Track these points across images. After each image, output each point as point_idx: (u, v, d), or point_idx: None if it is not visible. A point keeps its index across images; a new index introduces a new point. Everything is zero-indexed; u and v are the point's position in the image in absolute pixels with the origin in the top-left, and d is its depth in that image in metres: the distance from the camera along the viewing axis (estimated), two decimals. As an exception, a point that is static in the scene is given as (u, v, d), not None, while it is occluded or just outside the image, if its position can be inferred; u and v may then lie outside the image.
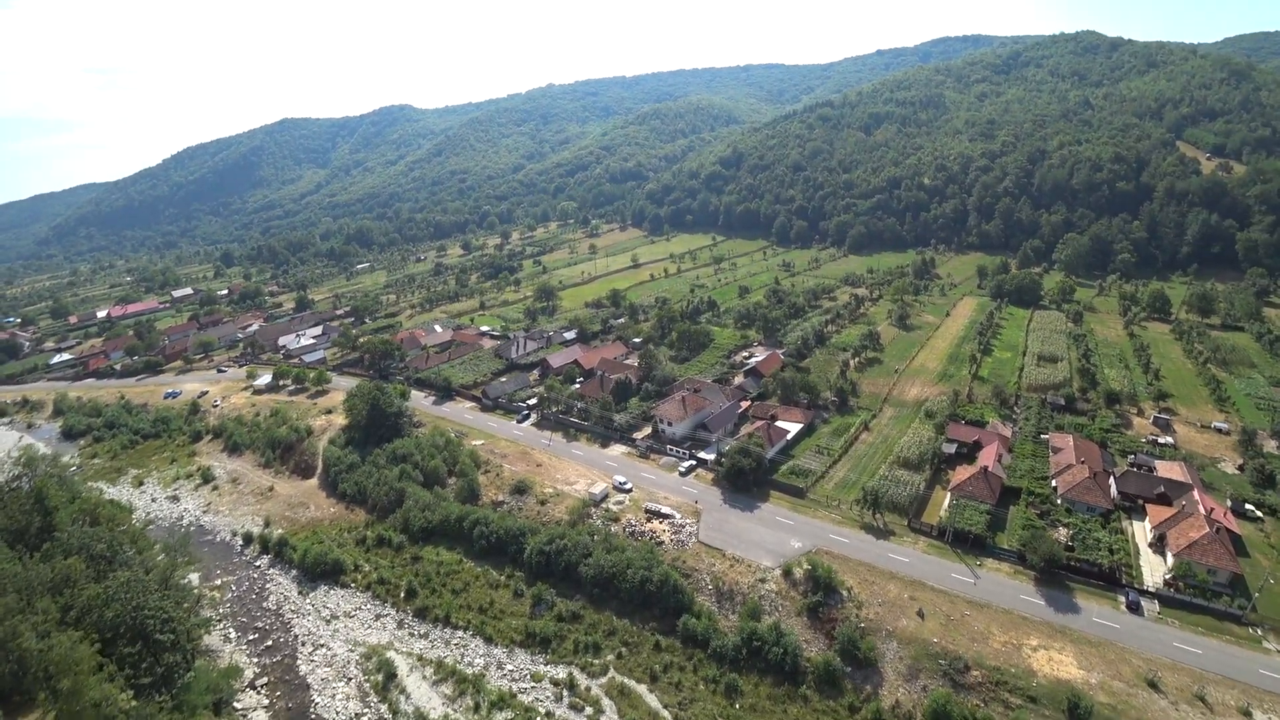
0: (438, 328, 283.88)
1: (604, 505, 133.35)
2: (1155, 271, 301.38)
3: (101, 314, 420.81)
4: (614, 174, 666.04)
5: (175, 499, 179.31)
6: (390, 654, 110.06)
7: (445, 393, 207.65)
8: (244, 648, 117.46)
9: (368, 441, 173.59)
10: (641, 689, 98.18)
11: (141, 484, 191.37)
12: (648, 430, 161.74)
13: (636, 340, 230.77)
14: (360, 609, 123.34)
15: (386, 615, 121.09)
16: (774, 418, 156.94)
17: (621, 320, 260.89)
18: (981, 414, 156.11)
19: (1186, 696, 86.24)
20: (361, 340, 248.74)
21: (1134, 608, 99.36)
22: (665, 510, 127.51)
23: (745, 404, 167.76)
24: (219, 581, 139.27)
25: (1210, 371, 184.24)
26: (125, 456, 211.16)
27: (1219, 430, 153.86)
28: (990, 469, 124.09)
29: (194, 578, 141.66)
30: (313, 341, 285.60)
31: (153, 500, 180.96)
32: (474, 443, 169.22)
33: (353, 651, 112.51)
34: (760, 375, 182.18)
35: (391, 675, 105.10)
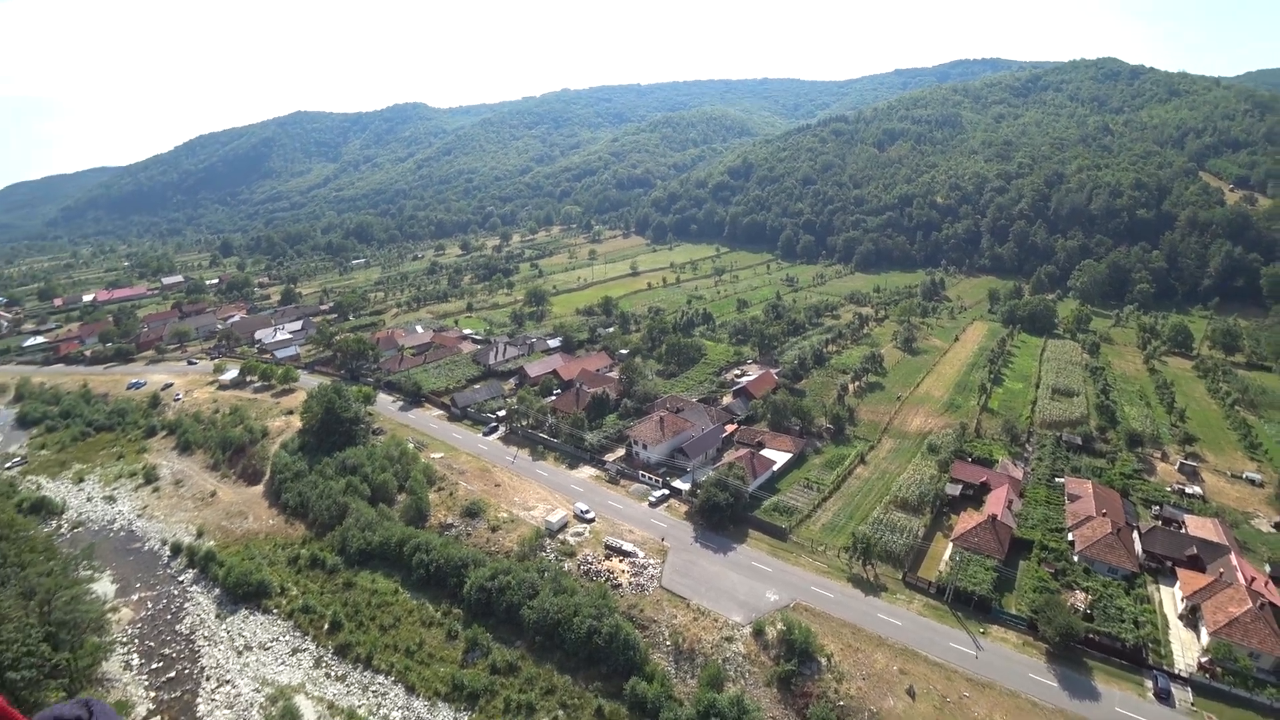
0: (419, 328, 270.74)
1: (561, 536, 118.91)
2: (1175, 304, 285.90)
3: (88, 298, 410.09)
4: (621, 180, 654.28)
5: (112, 500, 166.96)
6: (299, 699, 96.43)
7: (414, 398, 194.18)
8: (144, 678, 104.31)
9: (321, 448, 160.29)
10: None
11: (82, 480, 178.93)
12: (622, 452, 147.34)
13: (623, 352, 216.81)
14: (278, 640, 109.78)
15: (305, 650, 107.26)
16: (760, 445, 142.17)
17: (611, 330, 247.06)
18: (990, 451, 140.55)
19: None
20: (336, 338, 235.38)
21: (1163, 696, 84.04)
22: (627, 547, 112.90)
23: (731, 428, 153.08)
24: (136, 597, 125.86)
25: (1239, 414, 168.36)
26: (74, 449, 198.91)
27: (1251, 481, 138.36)
28: (999, 517, 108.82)
29: (108, 591, 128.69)
30: (289, 336, 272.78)
31: (88, 500, 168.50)
32: (432, 455, 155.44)
33: (258, 692, 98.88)
34: (750, 396, 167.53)
35: None
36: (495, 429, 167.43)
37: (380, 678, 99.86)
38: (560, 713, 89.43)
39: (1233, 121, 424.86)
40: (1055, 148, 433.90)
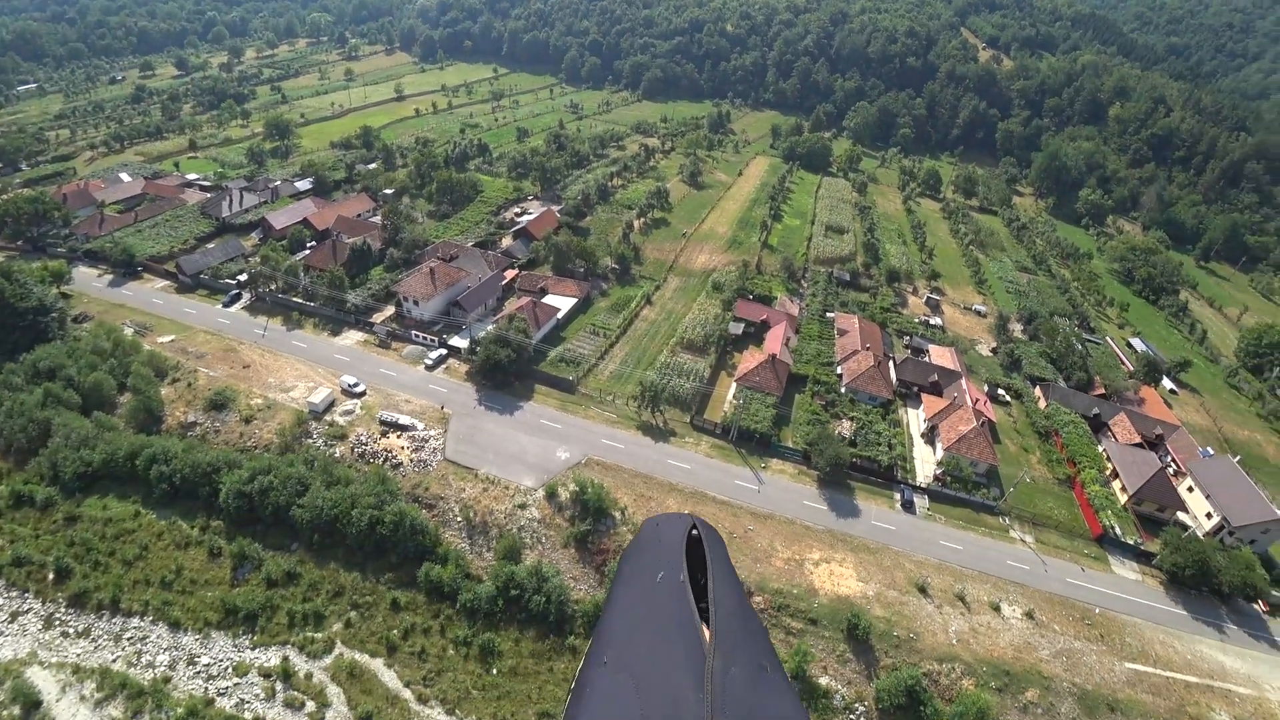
0: (124, 176, 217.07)
1: (329, 417, 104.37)
2: (929, 149, 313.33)
3: None
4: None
5: None
6: (32, 672, 78.06)
7: (127, 269, 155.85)
8: None
9: (3, 346, 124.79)
10: (377, 664, 77.84)
11: None
12: (391, 311, 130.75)
13: (387, 192, 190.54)
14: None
15: (29, 611, 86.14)
16: (544, 291, 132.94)
17: (372, 166, 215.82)
18: (770, 288, 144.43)
19: (949, 597, 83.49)
20: (1, 199, 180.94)
21: (908, 506, 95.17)
22: (404, 420, 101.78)
23: (511, 274, 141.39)
24: None
25: (972, 253, 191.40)
26: None
27: (978, 313, 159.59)
28: (778, 356, 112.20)
29: None
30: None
31: None
32: (161, 339, 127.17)
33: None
34: (532, 238, 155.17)
35: (35, 704, 74.83)
36: (238, 297, 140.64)
37: (135, 620, 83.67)
38: (353, 614, 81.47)
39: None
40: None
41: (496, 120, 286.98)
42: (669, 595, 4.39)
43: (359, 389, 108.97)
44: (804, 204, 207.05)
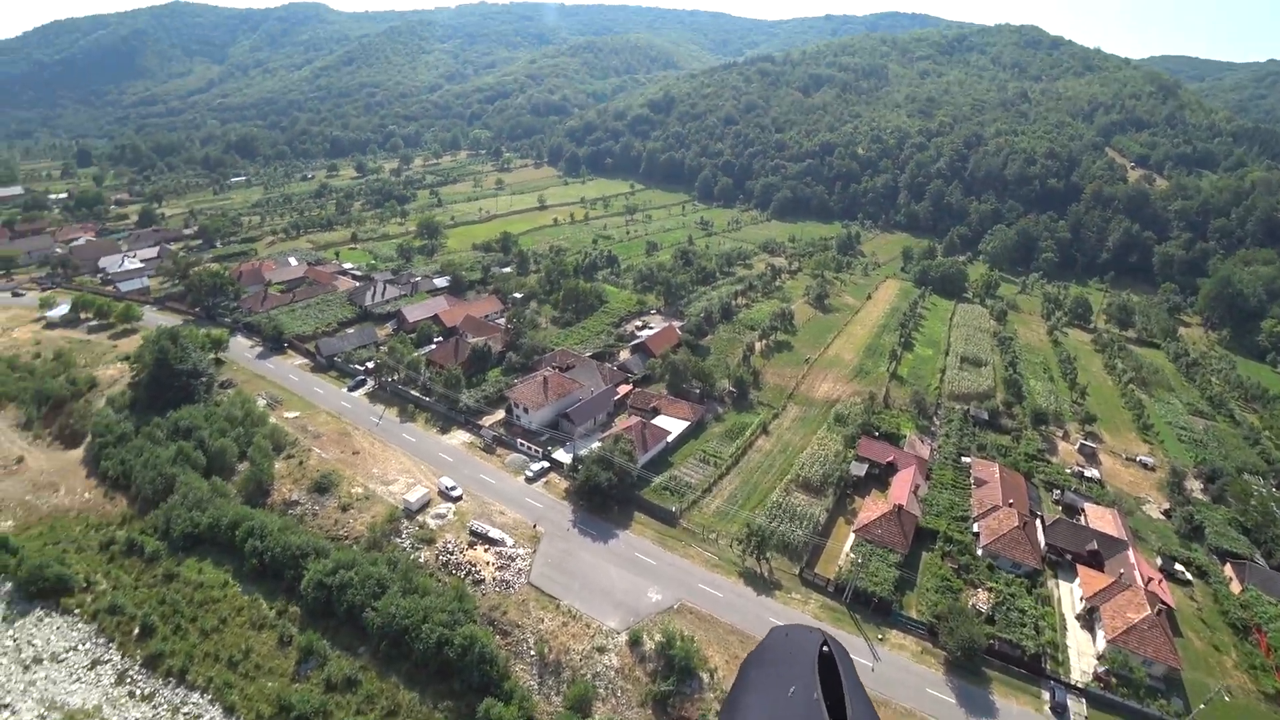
0: (292, 260, 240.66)
1: (421, 518, 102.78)
2: (1074, 274, 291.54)
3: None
4: (537, 106, 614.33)
5: None
6: None
7: (275, 343, 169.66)
8: None
9: (154, 405, 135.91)
10: (414, 803, 70.40)
11: None
12: (501, 415, 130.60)
13: (517, 295, 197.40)
14: (76, 649, 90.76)
15: (108, 662, 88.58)
16: (655, 411, 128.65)
17: (507, 270, 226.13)
18: (898, 425, 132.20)
19: None
20: (194, 269, 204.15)
21: (1059, 710, 78.11)
22: (495, 533, 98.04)
23: (625, 389, 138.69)
24: None
25: (1133, 393, 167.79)
26: None
27: (1144, 465, 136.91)
28: (905, 507, 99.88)
29: None
30: (139, 266, 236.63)
31: None
32: (286, 415, 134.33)
33: (55, 713, 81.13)
34: (649, 354, 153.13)
35: None
36: (363, 383, 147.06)
37: (196, 696, 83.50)
38: (401, 741, 75.41)
39: (1138, 101, 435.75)
40: (976, 109, 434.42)
41: (628, 233, 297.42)
42: (804, 714, 4.42)
43: (455, 492, 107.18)
44: (937, 332, 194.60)
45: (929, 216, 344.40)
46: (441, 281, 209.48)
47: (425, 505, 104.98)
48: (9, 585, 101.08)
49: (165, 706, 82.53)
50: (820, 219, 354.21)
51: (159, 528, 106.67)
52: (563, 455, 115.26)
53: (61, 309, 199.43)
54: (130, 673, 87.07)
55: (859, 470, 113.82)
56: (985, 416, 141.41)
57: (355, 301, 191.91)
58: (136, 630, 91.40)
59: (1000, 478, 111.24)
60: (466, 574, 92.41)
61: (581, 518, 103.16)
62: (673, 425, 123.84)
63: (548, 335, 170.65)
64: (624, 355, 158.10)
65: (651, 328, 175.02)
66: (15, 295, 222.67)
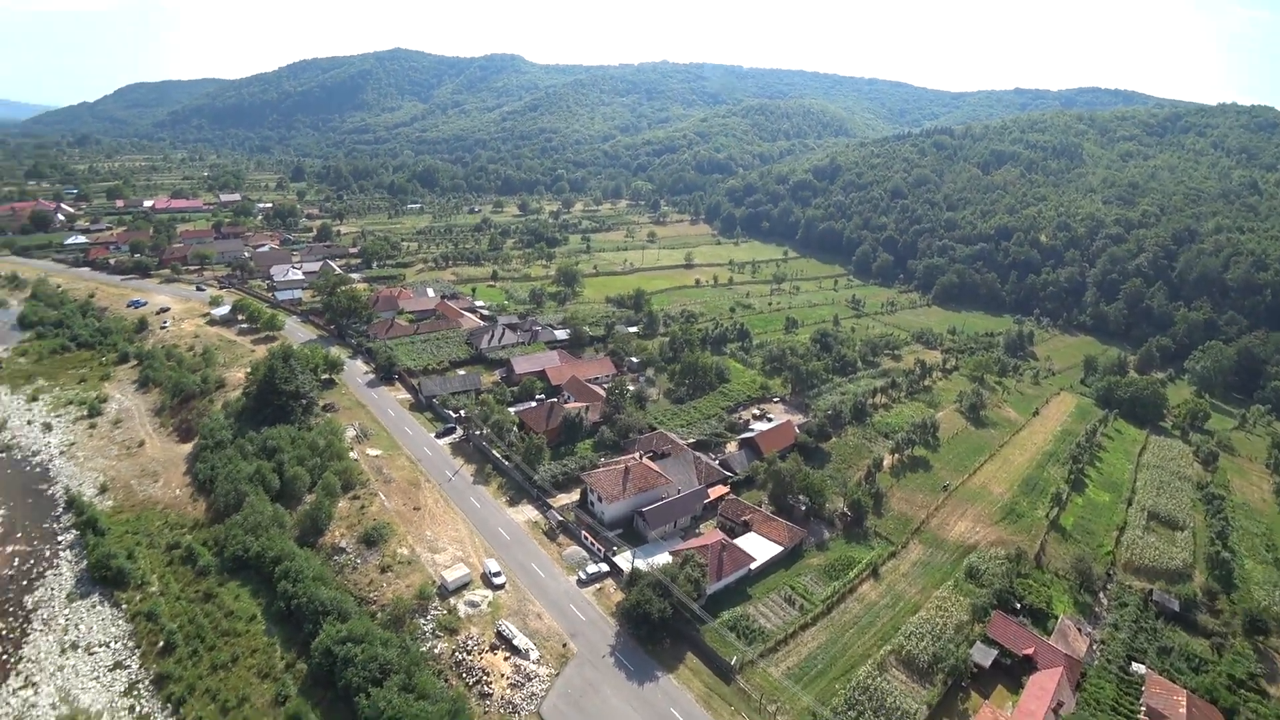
0: (430, 291, 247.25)
1: (454, 600, 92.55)
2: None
3: (148, 203, 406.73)
4: (701, 163, 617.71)
5: (48, 428, 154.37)
6: None
7: (386, 374, 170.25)
8: None
9: (257, 418, 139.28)
10: None
11: (35, 399, 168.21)
12: (575, 498, 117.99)
13: (634, 360, 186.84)
14: (108, 646, 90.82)
15: (127, 668, 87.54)
16: (746, 526, 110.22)
17: (632, 330, 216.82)
18: (1049, 599, 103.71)
19: None
20: (339, 289, 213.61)
21: None
22: (521, 641, 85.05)
23: (718, 491, 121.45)
24: (8, 549, 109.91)
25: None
26: (48, 363, 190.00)
27: None
28: (1043, 729, 74.62)
29: None
30: (300, 278, 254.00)
31: (28, 423, 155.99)
32: (369, 452, 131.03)
33: (54, 709, 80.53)
34: (758, 452, 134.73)
35: None
36: (451, 430, 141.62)
37: None
38: None
39: None
40: (1190, 200, 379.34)
41: (770, 304, 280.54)
42: None
43: (499, 579, 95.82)
44: (1119, 471, 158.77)
45: (1121, 320, 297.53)
46: (562, 333, 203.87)
47: (462, 588, 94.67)
48: (84, 564, 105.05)
49: (153, 733, 77.79)
50: (988, 310, 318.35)
51: (218, 542, 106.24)
52: (624, 560, 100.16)
53: (224, 308, 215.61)
54: (139, 686, 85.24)
55: (984, 658, 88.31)
56: (1175, 606, 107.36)
57: (472, 343, 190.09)
58: (161, 644, 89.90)
59: (1188, 713, 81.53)
60: (476, 682, 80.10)
61: (623, 645, 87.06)
62: (761, 548, 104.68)
63: (656, 409, 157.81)
64: (730, 448, 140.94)
65: (769, 419, 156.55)
66: (199, 290, 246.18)
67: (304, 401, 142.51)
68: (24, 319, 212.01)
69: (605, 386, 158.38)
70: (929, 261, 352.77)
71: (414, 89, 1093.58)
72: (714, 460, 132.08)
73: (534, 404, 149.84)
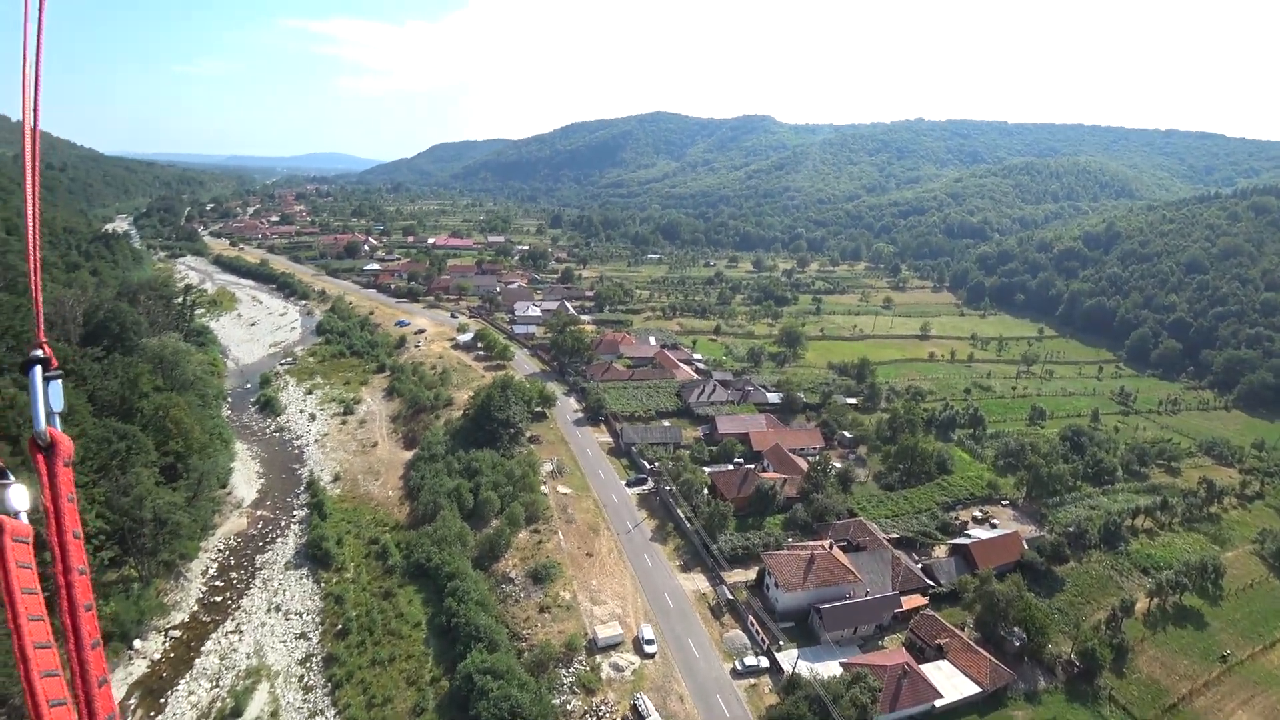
0: (652, 339, 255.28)
1: (599, 658, 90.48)
2: None
3: (431, 240, 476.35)
4: (951, 226, 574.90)
5: (312, 418, 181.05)
6: (261, 689, 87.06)
7: (594, 415, 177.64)
8: (201, 587, 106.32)
9: (468, 438, 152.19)
10: None
11: (310, 393, 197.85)
12: (753, 576, 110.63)
13: (846, 434, 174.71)
14: (301, 616, 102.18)
15: (309, 640, 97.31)
16: (939, 651, 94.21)
17: (850, 401, 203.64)
18: None
19: None
20: (568, 328, 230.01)
21: None
22: (653, 720, 79.95)
23: (912, 603, 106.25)
24: (258, 513, 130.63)
25: None
26: (328, 365, 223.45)
27: None
28: None
29: (247, 497, 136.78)
30: (538, 314, 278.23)
31: (300, 411, 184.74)
32: (560, 489, 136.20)
33: (248, 659, 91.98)
34: (971, 563, 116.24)
35: (237, 715, 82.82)
36: (643, 481, 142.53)
37: (331, 713, 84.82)
38: None
39: None
40: None
41: (1015, 389, 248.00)
42: None
43: (650, 649, 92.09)
44: None
45: None
46: (774, 396, 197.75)
47: (612, 647, 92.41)
48: (305, 540, 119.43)
49: (307, 709, 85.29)
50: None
51: (408, 546, 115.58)
52: (788, 660, 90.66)
53: (468, 335, 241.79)
54: (313, 659, 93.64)
55: None
56: None
57: (682, 396, 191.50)
58: (339, 626, 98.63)
59: None
60: (595, 757, 76.41)
61: (761, 761, 77.92)
62: (953, 684, 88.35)
63: (861, 493, 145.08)
64: (937, 552, 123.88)
65: (991, 525, 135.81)
66: (452, 316, 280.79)
67: (512, 430, 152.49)
68: (320, 326, 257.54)
69: (810, 459, 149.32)
70: (1233, 353, 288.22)
71: (668, 148, 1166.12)
72: (916, 563, 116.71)
73: (730, 467, 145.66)
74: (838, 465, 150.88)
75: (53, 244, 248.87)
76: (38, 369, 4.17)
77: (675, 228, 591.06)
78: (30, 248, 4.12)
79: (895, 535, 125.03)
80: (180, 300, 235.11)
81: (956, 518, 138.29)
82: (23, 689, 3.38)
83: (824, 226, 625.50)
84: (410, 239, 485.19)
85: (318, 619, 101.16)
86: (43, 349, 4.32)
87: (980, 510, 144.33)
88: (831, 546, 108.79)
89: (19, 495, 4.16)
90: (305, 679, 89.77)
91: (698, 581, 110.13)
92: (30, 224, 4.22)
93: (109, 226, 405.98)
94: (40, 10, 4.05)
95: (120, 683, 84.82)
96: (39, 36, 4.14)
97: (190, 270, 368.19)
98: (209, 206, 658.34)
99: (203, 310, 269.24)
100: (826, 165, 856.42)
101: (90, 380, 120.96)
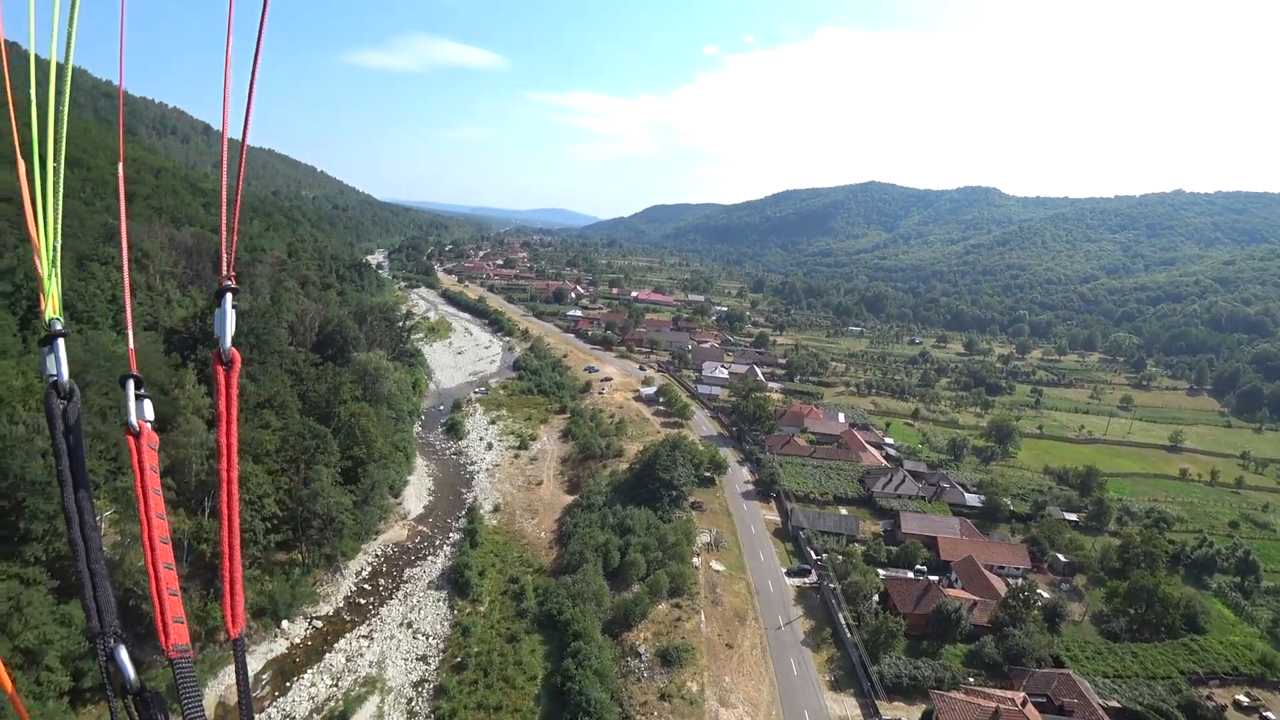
0: (841, 417, 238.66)
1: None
2: None
3: (634, 294, 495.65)
4: (1217, 317, 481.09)
5: (489, 447, 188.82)
6: (371, 701, 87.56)
7: (765, 490, 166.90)
8: (351, 587, 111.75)
9: (629, 494, 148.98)
10: None
11: (494, 424, 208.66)
12: (919, 712, 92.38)
13: (1060, 558, 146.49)
14: (427, 638, 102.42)
15: (426, 664, 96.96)
16: None
17: (1070, 517, 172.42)
18: None
19: None
20: (752, 394, 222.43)
21: None
22: None
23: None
24: (420, 528, 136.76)
25: None
26: (515, 400, 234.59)
27: None
28: None
29: (413, 510, 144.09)
30: (725, 377, 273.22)
31: (480, 438, 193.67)
32: (714, 565, 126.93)
33: (370, 668, 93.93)
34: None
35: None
36: (805, 572, 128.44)
37: None
38: None
39: None
40: None
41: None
42: None
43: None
44: None
45: None
46: (973, 499, 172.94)
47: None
48: (451, 564, 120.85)
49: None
50: None
51: (545, 593, 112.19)
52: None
53: (651, 389, 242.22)
54: (425, 684, 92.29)
55: None
56: None
57: (865, 483, 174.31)
58: (458, 659, 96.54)
59: None
60: None
61: None
62: None
63: (1072, 636, 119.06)
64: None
65: (1261, 716, 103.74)
66: (640, 369, 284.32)
67: (674, 493, 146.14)
68: (517, 363, 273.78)
69: (1010, 581, 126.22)
70: None
71: (880, 218, 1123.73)
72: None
73: (909, 574, 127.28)
74: (1045, 595, 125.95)
75: (319, 266, 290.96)
76: (229, 296, 4.67)
77: (881, 300, 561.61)
78: (224, 204, 4.73)
79: (1116, 704, 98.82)
80: (400, 324, 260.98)
81: (1209, 696, 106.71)
82: (149, 577, 3.90)
83: (1051, 310, 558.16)
84: (615, 290, 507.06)
85: (441, 645, 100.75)
86: (233, 280, 4.75)
87: (1246, 694, 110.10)
88: (1025, 704, 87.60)
89: (149, 408, 4.65)
90: (413, 703, 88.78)
91: (847, 706, 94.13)
92: (224, 194, 4.87)
93: (368, 258, 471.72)
94: (257, 47, 4.43)
95: (262, 656, 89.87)
96: (253, 74, 4.60)
97: (420, 299, 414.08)
98: (448, 247, 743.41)
99: (420, 335, 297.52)
100: (1058, 242, 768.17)
101: (305, 382, 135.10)
